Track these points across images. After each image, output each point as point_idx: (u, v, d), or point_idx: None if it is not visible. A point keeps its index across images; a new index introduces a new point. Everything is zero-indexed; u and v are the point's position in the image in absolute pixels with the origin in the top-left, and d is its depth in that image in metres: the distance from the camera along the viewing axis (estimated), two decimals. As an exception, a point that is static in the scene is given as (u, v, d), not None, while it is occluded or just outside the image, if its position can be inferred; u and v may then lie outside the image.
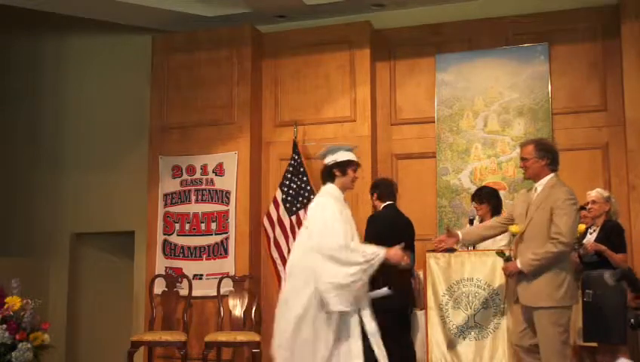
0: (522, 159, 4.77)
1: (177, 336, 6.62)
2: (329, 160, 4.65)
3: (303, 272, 4.42)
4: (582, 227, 5.68)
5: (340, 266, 4.34)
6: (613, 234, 5.41)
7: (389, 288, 4.92)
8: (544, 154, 4.68)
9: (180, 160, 7.41)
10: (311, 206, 4.67)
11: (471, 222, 5.99)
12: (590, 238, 5.49)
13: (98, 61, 8.45)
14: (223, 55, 7.44)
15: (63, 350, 7.79)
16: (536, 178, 4.71)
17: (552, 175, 4.69)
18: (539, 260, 4.52)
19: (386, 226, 5.61)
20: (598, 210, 5.51)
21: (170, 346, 6.71)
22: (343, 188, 4.66)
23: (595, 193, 5.56)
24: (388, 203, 5.86)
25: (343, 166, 4.62)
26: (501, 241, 5.53)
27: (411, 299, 5.85)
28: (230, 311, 6.88)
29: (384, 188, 5.94)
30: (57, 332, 7.22)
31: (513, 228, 4.73)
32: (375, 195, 5.96)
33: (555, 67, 6.79)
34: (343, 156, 4.64)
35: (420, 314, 5.86)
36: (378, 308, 5.25)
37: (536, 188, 4.72)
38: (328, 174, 4.64)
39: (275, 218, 7.12)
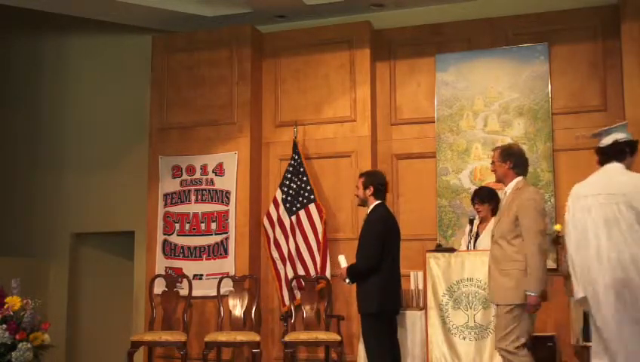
0: (491, 163, 4.96)
1: (177, 336, 6.62)
2: (621, 136, 4.43)
3: None
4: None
5: None
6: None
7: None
8: (507, 158, 4.83)
9: (180, 160, 7.41)
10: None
11: (471, 222, 5.99)
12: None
13: (98, 61, 8.46)
14: (223, 55, 7.44)
15: (63, 350, 7.79)
16: (503, 181, 4.87)
17: (518, 178, 4.81)
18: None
19: (390, 228, 5.51)
20: None
21: (170, 346, 6.71)
22: (627, 167, 4.47)
23: None
24: (380, 201, 5.54)
25: (635, 145, 4.46)
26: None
27: (400, 301, 5.78)
28: (230, 311, 6.89)
29: (383, 186, 5.52)
30: (57, 332, 7.23)
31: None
32: (372, 189, 5.49)
33: (555, 67, 6.78)
34: (631, 136, 4.48)
35: (420, 314, 5.86)
36: (368, 310, 5.26)
37: (505, 192, 4.86)
38: (620, 152, 4.42)
39: (275, 218, 7.11)
